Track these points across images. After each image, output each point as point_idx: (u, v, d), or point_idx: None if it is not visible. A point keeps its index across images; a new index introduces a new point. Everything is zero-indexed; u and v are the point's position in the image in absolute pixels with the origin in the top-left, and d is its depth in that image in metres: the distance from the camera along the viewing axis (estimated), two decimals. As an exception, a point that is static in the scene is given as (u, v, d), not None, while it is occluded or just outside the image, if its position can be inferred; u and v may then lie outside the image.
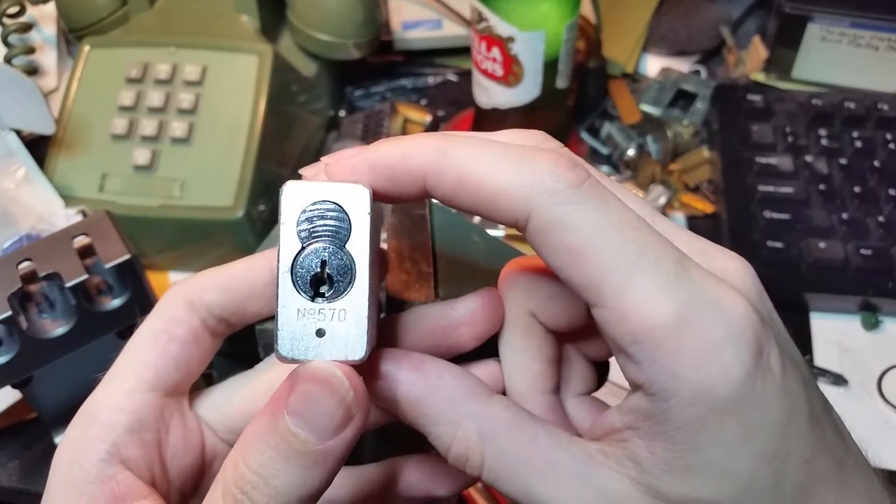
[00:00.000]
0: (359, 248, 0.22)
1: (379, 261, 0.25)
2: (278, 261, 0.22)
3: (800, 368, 0.21)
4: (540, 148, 0.21)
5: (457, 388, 0.23)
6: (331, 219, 0.22)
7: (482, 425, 0.22)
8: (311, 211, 0.22)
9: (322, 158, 0.23)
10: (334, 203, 0.22)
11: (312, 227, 0.22)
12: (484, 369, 0.26)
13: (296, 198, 0.22)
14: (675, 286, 0.19)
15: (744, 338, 0.19)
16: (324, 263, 0.21)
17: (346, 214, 0.22)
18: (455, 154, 0.21)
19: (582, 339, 0.26)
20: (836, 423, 0.22)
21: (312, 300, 0.22)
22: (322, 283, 0.22)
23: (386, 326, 0.25)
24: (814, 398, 0.21)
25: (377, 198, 0.22)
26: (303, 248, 0.22)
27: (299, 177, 0.23)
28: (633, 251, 0.20)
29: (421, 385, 0.23)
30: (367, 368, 0.23)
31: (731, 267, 0.22)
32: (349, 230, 0.22)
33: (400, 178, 0.22)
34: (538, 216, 0.20)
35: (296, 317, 0.21)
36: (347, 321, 0.21)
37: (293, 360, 0.21)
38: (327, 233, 0.22)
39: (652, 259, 0.20)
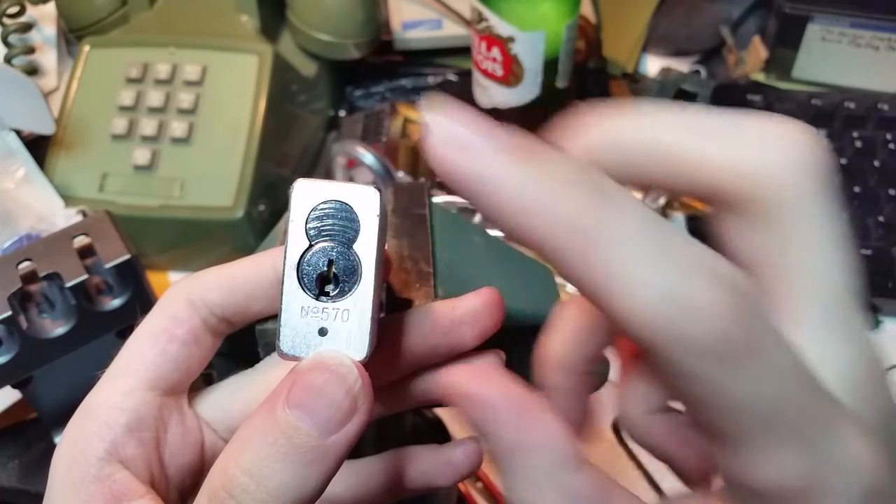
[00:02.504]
0: (366, 249, 0.22)
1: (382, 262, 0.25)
2: (285, 257, 0.22)
3: None
4: (704, 267, 0.16)
5: (551, 450, 0.20)
6: (340, 218, 0.22)
7: (564, 499, 0.20)
8: (320, 210, 0.22)
9: (424, 105, 0.18)
10: (344, 203, 0.22)
11: (321, 226, 0.22)
12: (485, 362, 0.27)
13: (306, 196, 0.22)
14: (805, 447, 0.18)
15: (870, 489, 0.18)
16: (331, 262, 0.22)
17: (356, 215, 0.22)
18: (606, 249, 0.16)
19: None
20: None
21: (317, 298, 0.22)
22: (328, 282, 0.22)
23: (387, 326, 0.25)
24: None
25: None
26: (310, 246, 0.22)
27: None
28: (767, 411, 0.17)
29: (515, 435, 0.20)
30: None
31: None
32: (357, 231, 0.22)
33: (520, 230, 0.17)
34: (680, 372, 0.17)
35: (299, 314, 0.21)
36: (350, 321, 0.22)
37: (294, 357, 0.21)
38: (335, 232, 0.22)
39: (788, 419, 0.17)
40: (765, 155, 0.18)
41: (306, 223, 0.22)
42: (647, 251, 0.16)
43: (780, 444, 0.17)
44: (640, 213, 0.16)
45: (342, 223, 0.22)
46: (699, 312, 0.16)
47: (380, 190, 0.22)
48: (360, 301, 0.22)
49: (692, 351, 0.16)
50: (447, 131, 0.17)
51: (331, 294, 0.22)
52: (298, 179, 0.22)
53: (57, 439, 0.51)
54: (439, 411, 0.43)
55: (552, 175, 0.16)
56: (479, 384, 0.21)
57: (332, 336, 0.21)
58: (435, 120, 0.17)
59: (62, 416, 0.51)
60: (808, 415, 0.18)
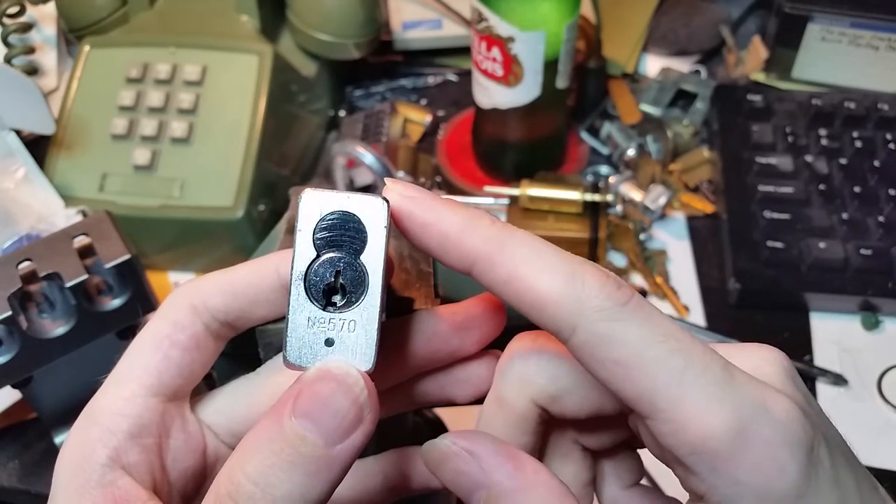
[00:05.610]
0: (373, 260, 0.22)
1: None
2: (292, 267, 0.22)
3: (844, 452, 0.22)
4: (588, 262, 0.21)
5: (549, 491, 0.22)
6: (348, 229, 0.22)
7: None
8: (328, 220, 0.22)
9: (387, 181, 0.23)
10: (352, 214, 0.22)
11: (329, 236, 0.22)
12: (484, 364, 0.27)
13: (314, 206, 0.22)
14: (725, 394, 0.20)
15: (795, 437, 0.20)
16: (338, 273, 0.22)
17: (363, 226, 0.22)
18: (512, 252, 0.21)
19: (586, 430, 0.26)
20: (883, 499, 0.22)
21: (324, 309, 0.22)
22: (334, 292, 0.22)
23: (388, 331, 0.25)
24: (862, 480, 0.21)
25: (422, 244, 0.22)
26: (318, 257, 0.22)
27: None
28: (681, 362, 0.20)
29: (517, 480, 0.22)
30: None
31: (761, 361, 0.22)
32: (365, 242, 0.22)
33: (450, 251, 0.22)
34: (585, 330, 0.20)
35: (306, 324, 0.21)
36: (357, 332, 0.22)
37: (300, 367, 0.21)
38: (343, 243, 0.22)
39: (700, 368, 0.20)
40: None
41: (314, 233, 0.22)
42: (549, 252, 0.21)
43: (702, 390, 0.20)
44: (532, 236, 0.22)
45: (350, 234, 0.22)
46: (595, 284, 0.21)
47: (387, 201, 0.22)
48: (367, 312, 0.22)
49: (597, 313, 0.20)
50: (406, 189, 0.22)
51: (338, 305, 0.22)
52: (306, 189, 0.22)
53: (57, 439, 0.51)
54: (439, 411, 0.43)
55: (466, 214, 0.22)
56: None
57: (339, 347, 0.21)
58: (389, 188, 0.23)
59: (62, 416, 0.51)
60: (717, 363, 0.20)
